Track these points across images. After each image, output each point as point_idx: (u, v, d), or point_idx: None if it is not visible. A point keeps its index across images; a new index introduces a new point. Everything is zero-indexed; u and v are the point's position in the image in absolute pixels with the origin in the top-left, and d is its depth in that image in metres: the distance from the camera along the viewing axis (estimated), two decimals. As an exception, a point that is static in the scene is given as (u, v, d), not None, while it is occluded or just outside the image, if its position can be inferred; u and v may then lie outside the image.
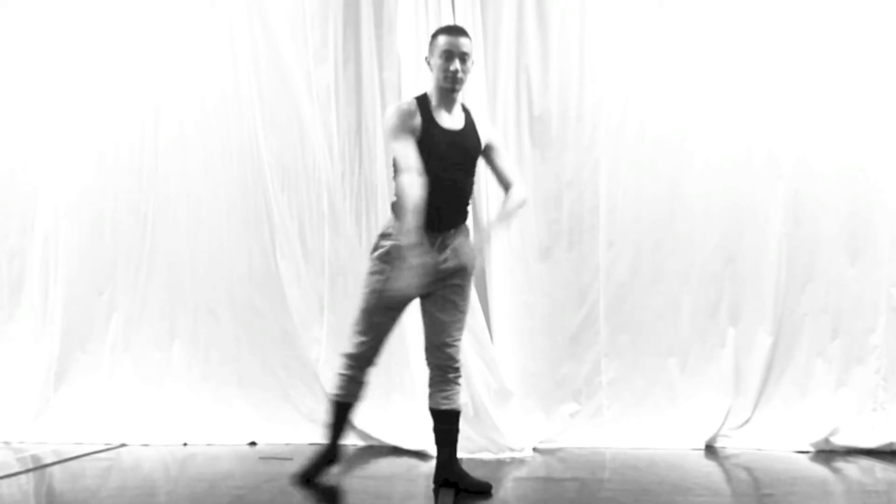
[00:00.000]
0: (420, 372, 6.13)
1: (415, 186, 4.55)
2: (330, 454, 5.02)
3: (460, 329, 4.92)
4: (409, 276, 4.52)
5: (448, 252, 4.76)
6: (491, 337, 6.24)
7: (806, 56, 6.37)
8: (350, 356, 4.89)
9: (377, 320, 4.81)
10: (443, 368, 4.87)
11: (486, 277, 6.37)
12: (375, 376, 6.42)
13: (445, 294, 4.81)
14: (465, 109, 4.91)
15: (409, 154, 4.63)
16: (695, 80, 6.45)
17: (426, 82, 6.14)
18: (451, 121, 4.79)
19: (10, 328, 6.67)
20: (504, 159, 4.97)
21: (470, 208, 4.94)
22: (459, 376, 4.93)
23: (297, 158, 6.62)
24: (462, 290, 4.86)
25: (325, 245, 6.62)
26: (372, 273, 4.79)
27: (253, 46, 6.61)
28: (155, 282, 6.67)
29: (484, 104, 6.39)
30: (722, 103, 6.43)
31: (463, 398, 5.97)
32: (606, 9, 6.50)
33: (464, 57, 4.75)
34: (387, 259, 4.73)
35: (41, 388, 6.54)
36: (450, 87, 4.75)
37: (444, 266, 4.75)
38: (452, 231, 4.78)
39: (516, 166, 5.07)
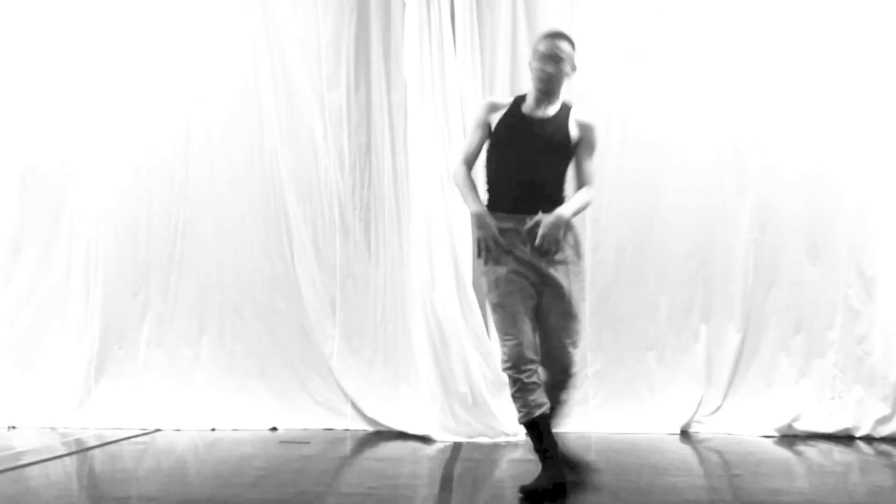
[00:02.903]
0: (424, 365, 6.19)
1: (458, 177, 4.40)
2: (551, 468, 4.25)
3: (569, 332, 4.32)
4: (481, 250, 4.28)
5: (529, 237, 4.23)
6: (488, 333, 6.24)
7: (770, 75, 6.37)
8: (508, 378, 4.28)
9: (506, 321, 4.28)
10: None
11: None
12: (384, 368, 6.55)
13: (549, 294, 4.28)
14: (566, 106, 4.41)
15: (466, 147, 4.46)
16: (672, 105, 6.47)
17: (430, 103, 6.25)
18: (541, 112, 4.35)
19: (56, 326, 6.67)
20: (586, 159, 4.41)
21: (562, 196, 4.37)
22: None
23: (312, 173, 6.66)
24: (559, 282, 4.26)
25: (336, 251, 6.65)
26: (483, 279, 4.42)
27: (273, 72, 6.65)
28: (185, 284, 6.70)
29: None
30: (696, 123, 6.45)
31: (462, 388, 6.05)
32: (592, 37, 6.52)
33: (560, 61, 4.32)
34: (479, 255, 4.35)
35: (83, 380, 6.56)
36: (541, 87, 4.34)
37: (527, 251, 4.24)
38: (533, 216, 4.23)
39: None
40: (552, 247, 4.23)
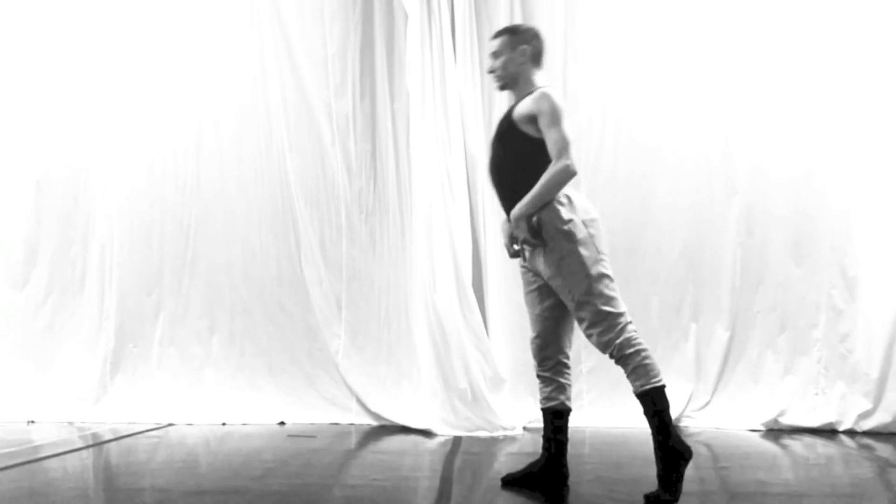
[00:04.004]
0: (425, 362, 6.21)
1: None
2: (537, 465, 4.27)
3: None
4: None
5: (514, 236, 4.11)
6: (487, 332, 6.29)
7: (759, 79, 6.39)
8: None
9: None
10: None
11: (483, 282, 6.44)
12: (387, 365, 6.56)
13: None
14: (534, 91, 4.15)
15: None
16: (663, 108, 6.50)
17: (432, 111, 6.28)
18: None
19: (72, 325, 6.71)
20: (545, 131, 4.01)
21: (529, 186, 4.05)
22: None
23: (319, 178, 6.68)
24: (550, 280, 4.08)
25: (342, 253, 6.67)
26: None
27: (282, 82, 6.68)
28: (196, 284, 6.72)
29: (481, 132, 6.47)
30: (686, 125, 6.47)
31: (462, 384, 6.06)
32: (586, 46, 6.56)
33: (495, 55, 4.25)
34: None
35: (99, 377, 6.59)
36: (495, 84, 4.35)
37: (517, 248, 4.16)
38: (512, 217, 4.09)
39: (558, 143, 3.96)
40: (525, 246, 4.04)
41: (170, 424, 6.35)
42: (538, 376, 4.27)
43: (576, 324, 4.20)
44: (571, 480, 4.26)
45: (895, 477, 4.79)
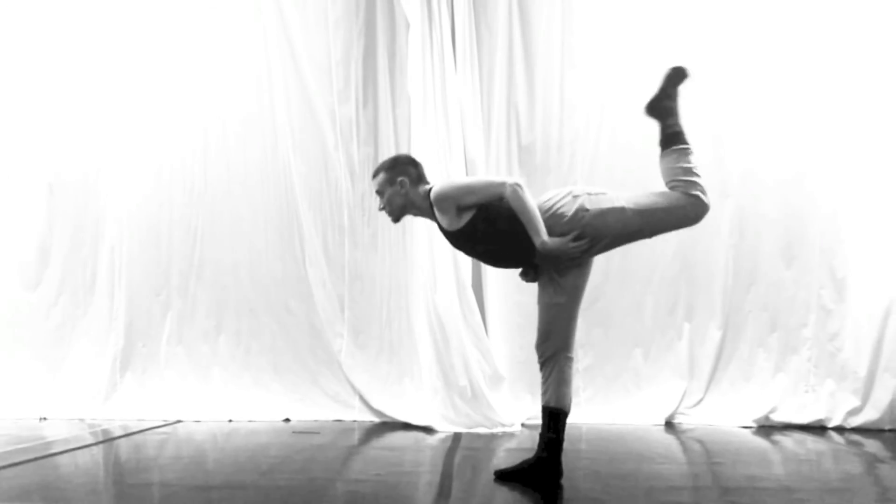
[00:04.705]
0: (426, 360, 6.23)
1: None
2: (530, 461, 4.27)
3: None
4: None
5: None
6: (486, 331, 6.30)
7: (750, 83, 6.38)
8: None
9: None
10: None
11: (483, 282, 6.46)
12: (389, 364, 6.58)
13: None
14: (431, 207, 4.24)
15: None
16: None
17: (433, 117, 6.29)
18: (442, 225, 4.25)
19: (83, 325, 6.72)
20: (476, 194, 4.13)
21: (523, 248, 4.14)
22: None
23: (323, 182, 6.69)
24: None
25: (345, 255, 6.68)
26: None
27: (286, 87, 6.68)
28: (203, 285, 6.72)
29: (480, 137, 6.48)
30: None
31: (462, 382, 6.08)
32: (583, 53, 6.58)
33: (379, 194, 4.34)
34: None
35: (109, 375, 6.60)
36: (392, 219, 4.39)
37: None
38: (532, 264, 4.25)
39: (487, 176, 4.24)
40: (573, 257, 4.10)
41: (178, 421, 6.36)
42: (540, 371, 4.23)
43: (577, 322, 4.23)
44: (567, 476, 4.25)
45: (883, 472, 4.81)
